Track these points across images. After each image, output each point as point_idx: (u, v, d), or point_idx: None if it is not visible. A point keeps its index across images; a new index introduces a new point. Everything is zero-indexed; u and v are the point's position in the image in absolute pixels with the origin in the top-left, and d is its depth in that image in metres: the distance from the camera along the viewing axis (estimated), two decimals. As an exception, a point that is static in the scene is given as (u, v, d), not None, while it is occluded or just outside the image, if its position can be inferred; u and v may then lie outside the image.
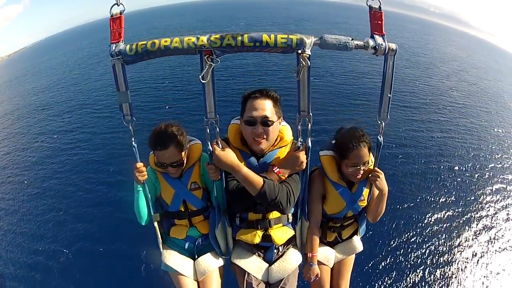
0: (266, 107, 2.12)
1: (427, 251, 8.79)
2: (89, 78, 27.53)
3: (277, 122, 2.21)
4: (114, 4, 1.80)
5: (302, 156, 2.19)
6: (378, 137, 2.22)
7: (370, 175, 2.38)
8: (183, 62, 24.07)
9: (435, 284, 7.97)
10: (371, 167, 2.39)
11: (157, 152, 2.24)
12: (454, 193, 11.36)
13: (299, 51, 1.83)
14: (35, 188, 12.02)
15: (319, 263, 2.61)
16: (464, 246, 9.15)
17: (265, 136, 2.16)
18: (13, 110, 22.87)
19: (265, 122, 2.12)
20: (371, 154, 2.38)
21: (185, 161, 2.34)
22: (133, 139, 2.15)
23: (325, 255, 2.68)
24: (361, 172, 2.35)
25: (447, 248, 8.99)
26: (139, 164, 2.24)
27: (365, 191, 2.48)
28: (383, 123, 2.16)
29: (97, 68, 30.82)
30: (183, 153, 2.30)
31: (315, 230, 2.53)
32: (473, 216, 10.33)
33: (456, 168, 12.94)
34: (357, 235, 2.77)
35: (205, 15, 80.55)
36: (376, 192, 2.51)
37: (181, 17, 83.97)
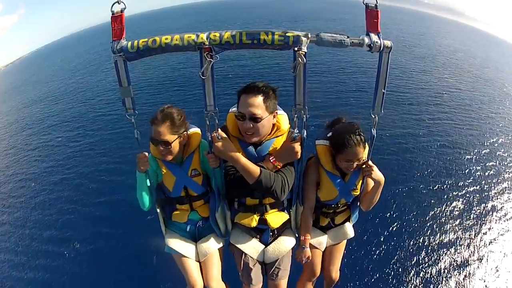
0: (255, 104, 2.17)
1: (423, 236, 8.92)
2: (90, 81, 27.27)
3: (269, 117, 2.25)
4: (115, 2, 1.84)
5: (298, 147, 2.27)
6: (372, 129, 2.28)
7: (363, 168, 2.47)
8: (183, 58, 23.95)
9: (430, 259, 8.18)
10: (365, 159, 2.47)
11: (152, 127, 2.34)
12: (449, 172, 11.59)
13: (296, 49, 1.87)
14: (43, 185, 12.14)
15: (312, 246, 2.75)
16: (460, 226, 9.33)
17: (253, 132, 2.24)
18: (16, 118, 22.58)
19: (253, 118, 2.19)
20: (365, 148, 2.44)
21: (175, 145, 2.39)
22: (135, 131, 2.24)
23: (318, 239, 2.81)
24: (354, 166, 2.44)
25: (443, 231, 9.10)
26: (142, 154, 2.34)
27: (358, 181, 2.58)
28: (377, 117, 2.22)
29: (97, 71, 30.53)
30: (175, 136, 2.36)
31: (309, 215, 2.66)
32: (469, 193, 10.53)
33: (450, 147, 13.17)
34: (349, 221, 2.89)
35: (201, 17, 78.33)
36: (370, 182, 2.60)
37: (177, 20, 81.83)
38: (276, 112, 2.32)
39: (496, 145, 13.84)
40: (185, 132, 2.45)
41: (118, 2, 1.84)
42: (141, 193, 2.48)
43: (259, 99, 2.18)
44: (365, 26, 1.97)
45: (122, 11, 1.89)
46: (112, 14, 1.87)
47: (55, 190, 11.63)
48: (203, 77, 1.98)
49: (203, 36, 1.87)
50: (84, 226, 9.47)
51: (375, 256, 7.98)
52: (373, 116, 2.22)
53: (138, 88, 19.15)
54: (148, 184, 2.49)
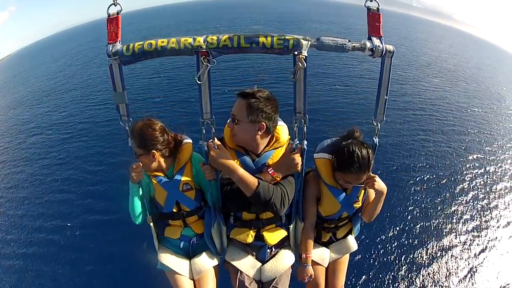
0: (239, 107, 2.13)
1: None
2: (81, 76, 28.12)
3: (249, 125, 2.13)
4: (111, 4, 1.78)
5: (297, 158, 2.18)
6: (374, 138, 2.20)
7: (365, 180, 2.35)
8: (180, 62, 24.05)
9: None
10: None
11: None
12: (429, 161, 12.40)
13: (296, 53, 1.81)
14: (36, 176, 12.46)
15: (314, 263, 2.60)
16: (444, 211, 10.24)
17: (234, 133, 2.21)
18: (8, 115, 22.80)
19: (233, 119, 2.16)
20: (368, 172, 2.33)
21: (152, 159, 2.31)
22: (129, 139, 2.14)
23: (320, 255, 2.67)
24: (350, 186, 2.37)
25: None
26: (136, 164, 2.23)
27: (360, 193, 2.47)
28: (379, 125, 2.13)
29: (88, 67, 31.38)
30: (147, 152, 2.29)
31: (310, 231, 2.53)
32: (450, 178, 11.47)
33: (434, 140, 13.97)
34: (351, 234, 2.77)
35: (189, 17, 79.99)
36: (372, 193, 2.50)
37: (165, 19, 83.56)
38: (263, 125, 2.15)
39: (476, 137, 14.92)
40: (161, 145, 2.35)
41: (114, 4, 1.79)
42: (133, 205, 2.36)
43: (243, 104, 2.11)
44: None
45: (118, 13, 1.84)
46: (108, 16, 1.82)
47: (49, 174, 12.11)
48: (200, 82, 1.90)
49: (200, 39, 1.81)
50: (76, 214, 9.85)
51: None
52: (375, 124, 2.13)
53: (132, 89, 19.41)
54: (141, 193, 2.39)
